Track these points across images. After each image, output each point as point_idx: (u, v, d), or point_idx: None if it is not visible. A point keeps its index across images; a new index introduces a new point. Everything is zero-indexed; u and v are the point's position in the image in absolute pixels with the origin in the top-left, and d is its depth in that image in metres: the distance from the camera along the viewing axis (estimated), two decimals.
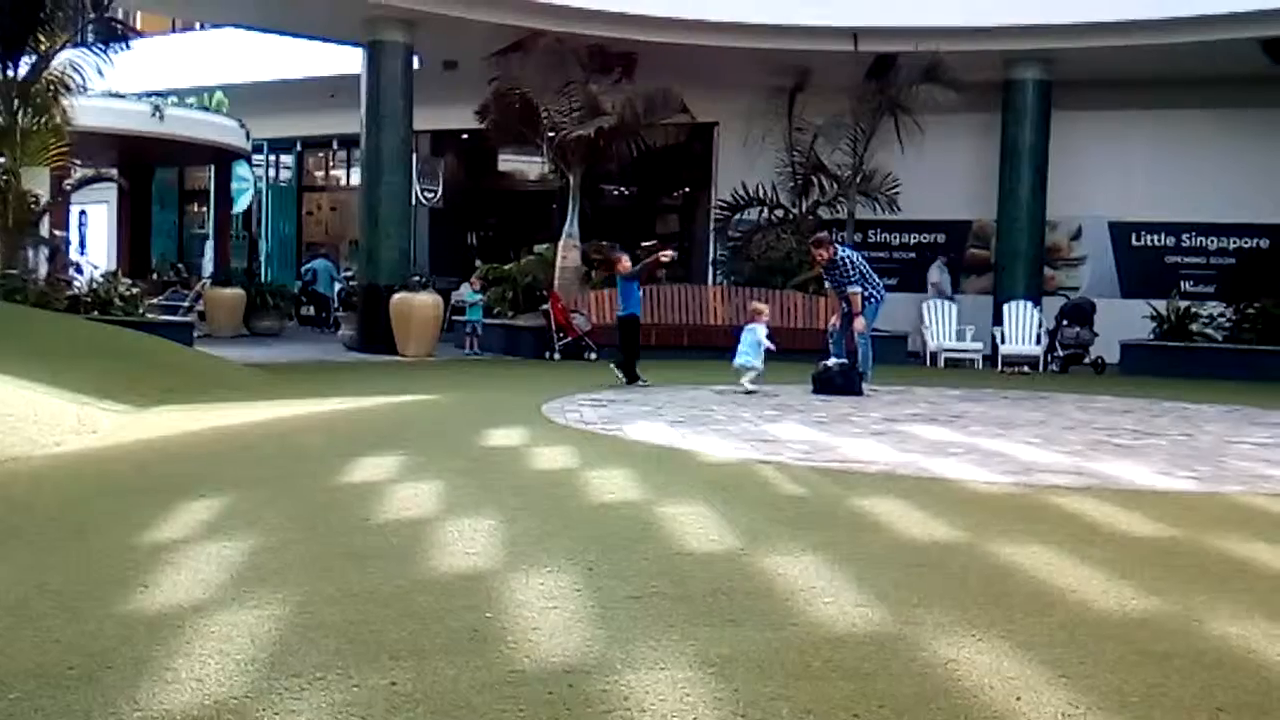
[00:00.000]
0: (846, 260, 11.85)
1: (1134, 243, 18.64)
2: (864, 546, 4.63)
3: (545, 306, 15.95)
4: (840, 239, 16.05)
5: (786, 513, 5.36)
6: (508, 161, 24.35)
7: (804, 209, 18.14)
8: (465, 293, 20.16)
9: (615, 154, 16.88)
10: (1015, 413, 10.16)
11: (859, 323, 11.68)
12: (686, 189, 23.65)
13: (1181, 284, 17.83)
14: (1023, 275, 17.44)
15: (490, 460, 6.90)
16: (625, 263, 12.55)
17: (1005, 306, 16.78)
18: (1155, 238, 18.59)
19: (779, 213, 18.45)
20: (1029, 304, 16.73)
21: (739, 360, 11.28)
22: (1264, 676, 3.16)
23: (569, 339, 15.63)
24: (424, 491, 5.61)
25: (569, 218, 16.72)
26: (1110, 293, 18.15)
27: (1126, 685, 3.04)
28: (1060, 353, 16.13)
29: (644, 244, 23.35)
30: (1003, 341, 16.45)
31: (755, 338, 11.34)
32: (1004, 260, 17.72)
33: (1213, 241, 18.35)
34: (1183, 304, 16.40)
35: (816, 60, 16.85)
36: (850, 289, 11.69)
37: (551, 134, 16.25)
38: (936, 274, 18.73)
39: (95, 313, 13.24)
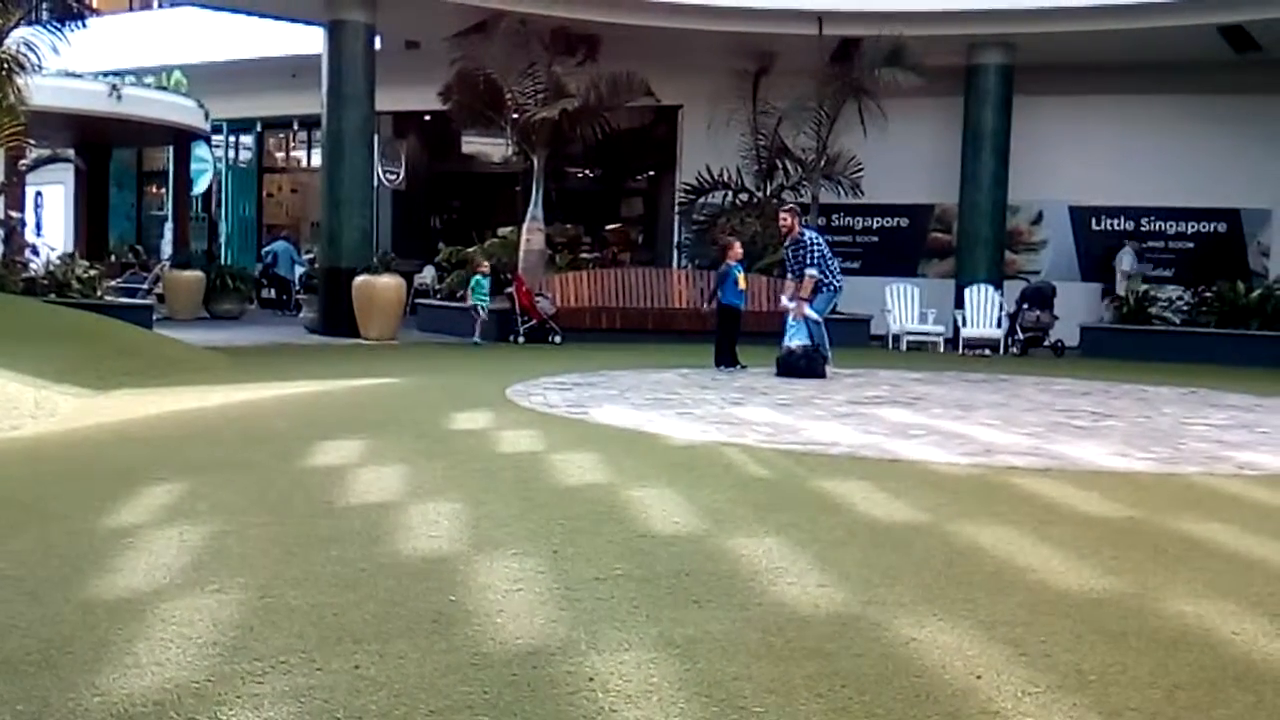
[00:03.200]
0: (812, 243, 11.83)
1: (1094, 227, 18.81)
2: (827, 528, 4.66)
3: (509, 290, 15.89)
4: (804, 222, 16.10)
5: (751, 494, 5.39)
6: (471, 143, 24.21)
7: (768, 192, 18.16)
8: (428, 275, 20.09)
9: (580, 136, 16.81)
10: (976, 395, 10.24)
11: (803, 307, 11.60)
12: (651, 172, 23.62)
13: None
14: (984, 259, 17.56)
15: (454, 444, 6.88)
16: (737, 250, 12.44)
17: (966, 290, 16.90)
18: (1115, 222, 18.76)
19: (744, 196, 18.47)
20: (990, 287, 16.85)
21: (797, 342, 11.50)
22: (1218, 654, 3.21)
23: (533, 322, 15.58)
24: (387, 475, 5.59)
25: (533, 200, 16.65)
26: (1070, 276, 18.31)
27: (1085, 664, 3.09)
28: (1020, 336, 16.27)
29: (608, 227, 23.37)
30: (964, 324, 16.57)
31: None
32: (965, 244, 17.85)
33: (1171, 226, 18.53)
34: (1141, 287, 16.58)
35: (781, 43, 16.86)
36: (808, 270, 11.64)
37: (515, 116, 16.16)
38: (1129, 262, 17.73)
39: (52, 295, 13.06)
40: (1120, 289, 17.22)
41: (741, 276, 12.27)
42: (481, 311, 15.34)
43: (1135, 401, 9.97)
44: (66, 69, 17.04)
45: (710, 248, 17.94)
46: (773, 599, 3.62)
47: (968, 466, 6.28)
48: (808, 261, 11.65)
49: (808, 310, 11.57)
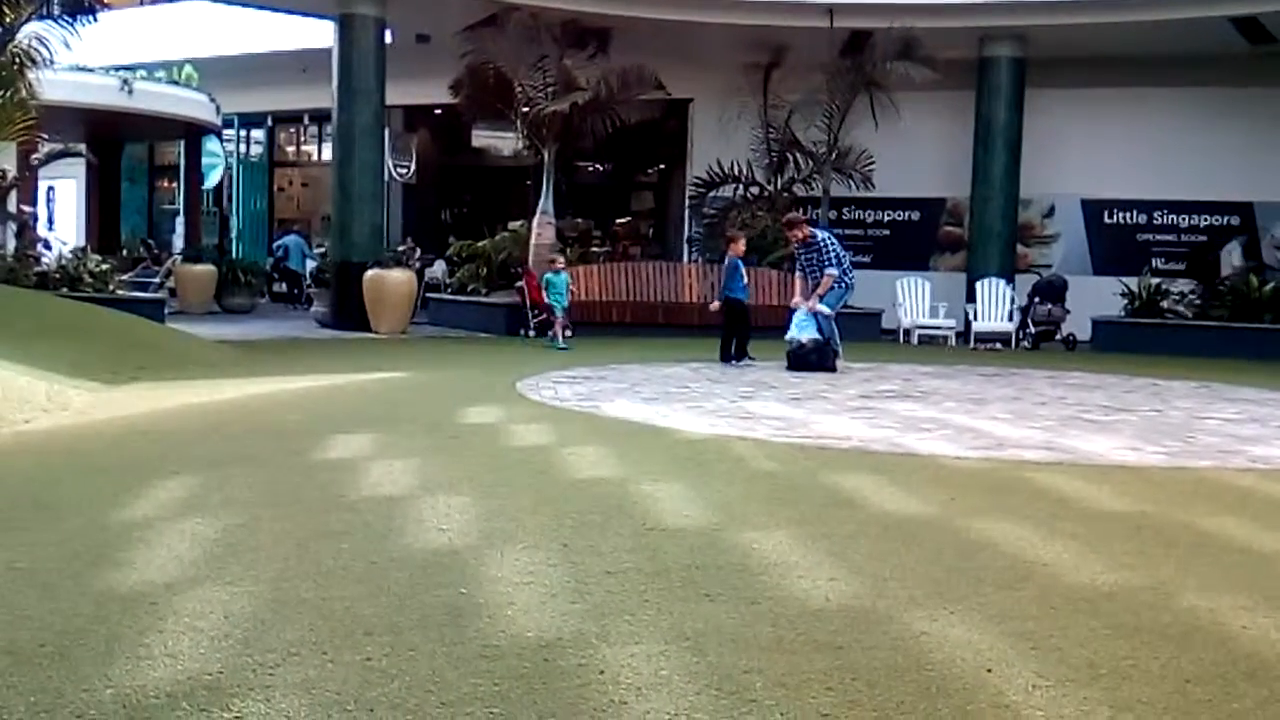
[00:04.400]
0: (826, 243, 11.84)
1: (1106, 220, 18.74)
2: (838, 521, 4.66)
3: (520, 284, 15.88)
4: (814, 218, 16.06)
5: (761, 488, 5.39)
6: (481, 137, 24.17)
7: (779, 186, 18.13)
8: (439, 269, 20.08)
9: (590, 130, 16.78)
10: (987, 389, 10.22)
11: (813, 301, 11.58)
12: (661, 165, 23.59)
13: (1153, 261, 17.98)
14: (996, 253, 17.50)
15: (465, 437, 6.89)
16: (740, 245, 12.43)
17: (978, 284, 16.84)
18: (1127, 215, 18.69)
19: (754, 190, 18.44)
20: (1002, 281, 16.80)
21: (807, 336, 11.47)
22: (1230, 648, 3.20)
23: (543, 317, 15.57)
24: (399, 469, 5.60)
25: (543, 194, 16.64)
26: (1082, 270, 18.23)
27: (1096, 658, 3.08)
28: (1032, 330, 16.23)
29: (619, 221, 23.37)
30: (975, 319, 16.52)
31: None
32: (977, 238, 17.80)
33: (1184, 219, 18.46)
34: (1154, 281, 16.52)
35: (792, 36, 16.81)
36: (828, 270, 11.65)
37: (526, 109, 16.15)
38: (1238, 257, 17.20)
39: (64, 289, 13.11)
40: (1228, 283, 16.82)
41: (744, 271, 12.28)
42: (559, 315, 13.94)
43: (1147, 395, 9.93)
44: (78, 63, 17.07)
45: (720, 241, 17.92)
46: (783, 592, 3.61)
47: (979, 460, 6.27)
48: (827, 262, 11.65)
49: (818, 305, 11.57)
